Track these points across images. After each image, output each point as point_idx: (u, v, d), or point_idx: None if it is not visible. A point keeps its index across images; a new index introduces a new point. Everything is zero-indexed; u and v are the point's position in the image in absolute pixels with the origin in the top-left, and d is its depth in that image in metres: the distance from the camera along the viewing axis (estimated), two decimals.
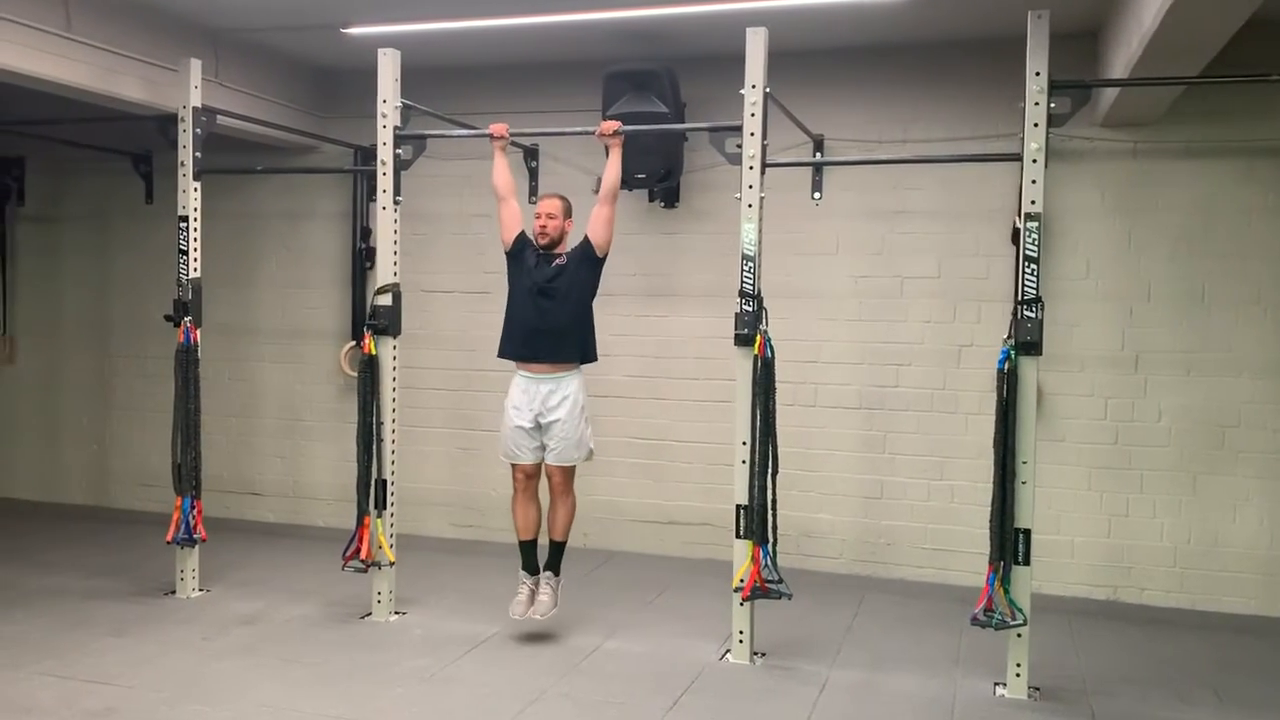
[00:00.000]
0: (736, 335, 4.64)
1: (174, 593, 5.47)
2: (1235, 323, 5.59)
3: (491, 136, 5.05)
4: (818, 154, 6.10)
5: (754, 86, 4.58)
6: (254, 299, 7.31)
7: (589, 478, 6.61)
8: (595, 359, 5.00)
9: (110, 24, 5.35)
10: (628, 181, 6.14)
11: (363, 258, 7.00)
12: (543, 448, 4.91)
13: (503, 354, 4.98)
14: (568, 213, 4.95)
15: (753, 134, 4.59)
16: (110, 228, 7.70)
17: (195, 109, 5.38)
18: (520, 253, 4.92)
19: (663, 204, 6.45)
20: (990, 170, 5.87)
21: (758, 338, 4.59)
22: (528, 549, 5.01)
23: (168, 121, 5.49)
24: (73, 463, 7.83)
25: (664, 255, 6.51)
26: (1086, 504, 5.83)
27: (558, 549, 5.00)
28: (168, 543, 5.37)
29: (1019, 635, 4.31)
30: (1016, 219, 5.81)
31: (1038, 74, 4.22)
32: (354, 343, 7.03)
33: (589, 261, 4.89)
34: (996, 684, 4.42)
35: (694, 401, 6.47)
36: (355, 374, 6.98)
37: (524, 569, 5.01)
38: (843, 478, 6.20)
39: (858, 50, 6.05)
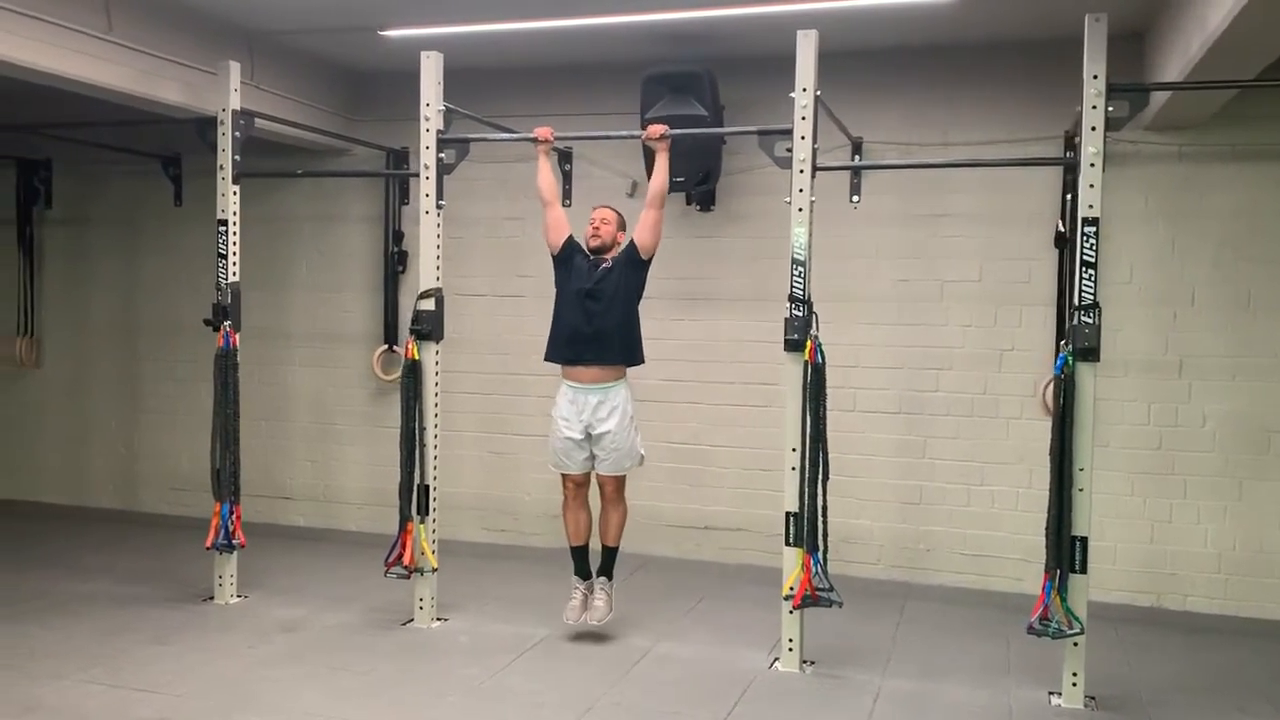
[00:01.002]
0: (787, 341, 4.59)
1: (212, 599, 5.44)
2: None
3: (536, 140, 5.01)
4: (856, 157, 6.07)
5: (805, 89, 4.54)
6: (285, 302, 7.27)
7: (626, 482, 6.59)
8: (642, 361, 4.97)
9: (149, 27, 5.32)
10: None
11: (394, 261, 6.97)
12: (592, 457, 4.88)
13: (550, 358, 4.96)
14: (621, 225, 4.97)
15: (803, 137, 4.55)
16: (139, 230, 7.67)
17: (235, 112, 5.35)
18: (569, 257, 4.90)
19: (699, 208, 6.41)
20: (1032, 173, 5.84)
21: (808, 343, 4.54)
22: (580, 554, 4.99)
23: (206, 124, 5.46)
24: (100, 467, 7.80)
25: (700, 259, 6.46)
26: (1129, 509, 5.78)
27: (611, 554, 4.98)
28: (207, 548, 5.33)
29: (1075, 644, 4.26)
30: (1059, 223, 5.81)
31: (1095, 77, 4.17)
32: (386, 346, 7.01)
33: (634, 264, 4.86)
34: (1051, 693, 4.37)
35: (730, 406, 6.43)
36: (388, 378, 7.02)
37: (576, 574, 5.00)
38: (881, 483, 6.15)
39: (895, 52, 6.00)
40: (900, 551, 6.17)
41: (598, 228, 4.89)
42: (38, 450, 7.92)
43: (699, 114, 5.74)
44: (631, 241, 4.85)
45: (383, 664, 4.58)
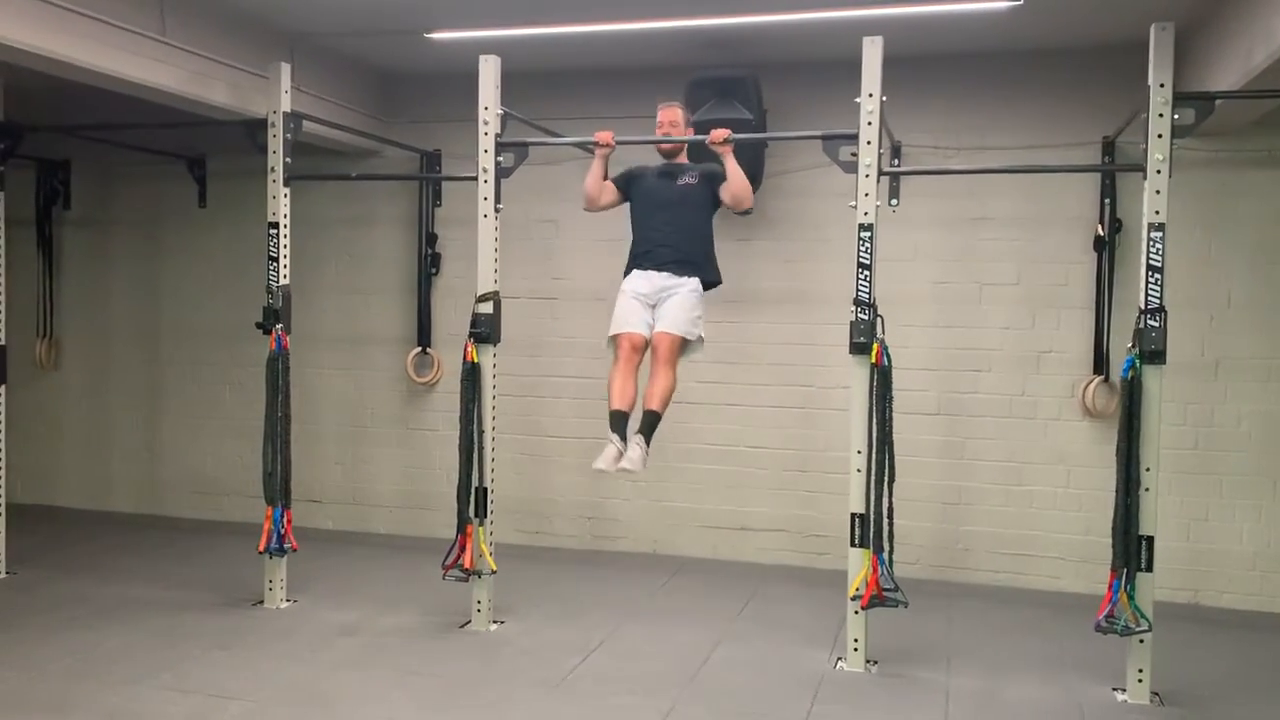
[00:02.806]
0: (852, 344, 4.65)
1: (262, 603, 5.40)
2: None
3: (596, 144, 5.03)
4: (895, 160, 6.13)
5: (870, 95, 4.60)
6: (314, 305, 7.20)
7: (661, 484, 6.63)
8: (718, 280, 5.00)
9: (199, 28, 5.29)
10: None
11: (428, 263, 6.95)
12: (652, 325, 4.85)
13: (627, 272, 5.00)
14: (688, 122, 5.10)
15: (869, 142, 4.60)
16: (161, 232, 7.60)
17: (285, 114, 5.32)
18: (637, 178, 5.03)
19: (737, 210, 6.44)
20: (1070, 176, 5.93)
21: (874, 346, 4.60)
22: (619, 417, 4.75)
23: (255, 126, 5.42)
24: (122, 470, 7.71)
25: (738, 261, 6.45)
26: (1166, 508, 5.81)
27: (653, 417, 4.74)
28: (260, 552, 5.29)
29: (1141, 641, 4.35)
30: (1098, 226, 5.91)
31: (1162, 85, 4.25)
32: (420, 349, 6.99)
33: (715, 195, 4.92)
34: (1115, 689, 4.45)
35: (767, 408, 6.48)
36: (421, 380, 7.01)
37: (612, 429, 4.72)
38: (921, 483, 6.20)
39: (936, 58, 6.06)
40: (940, 551, 6.24)
41: (668, 132, 4.99)
42: (57, 454, 7.82)
43: (744, 117, 5.79)
44: (721, 182, 4.87)
45: (452, 667, 4.58)
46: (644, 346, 4.86)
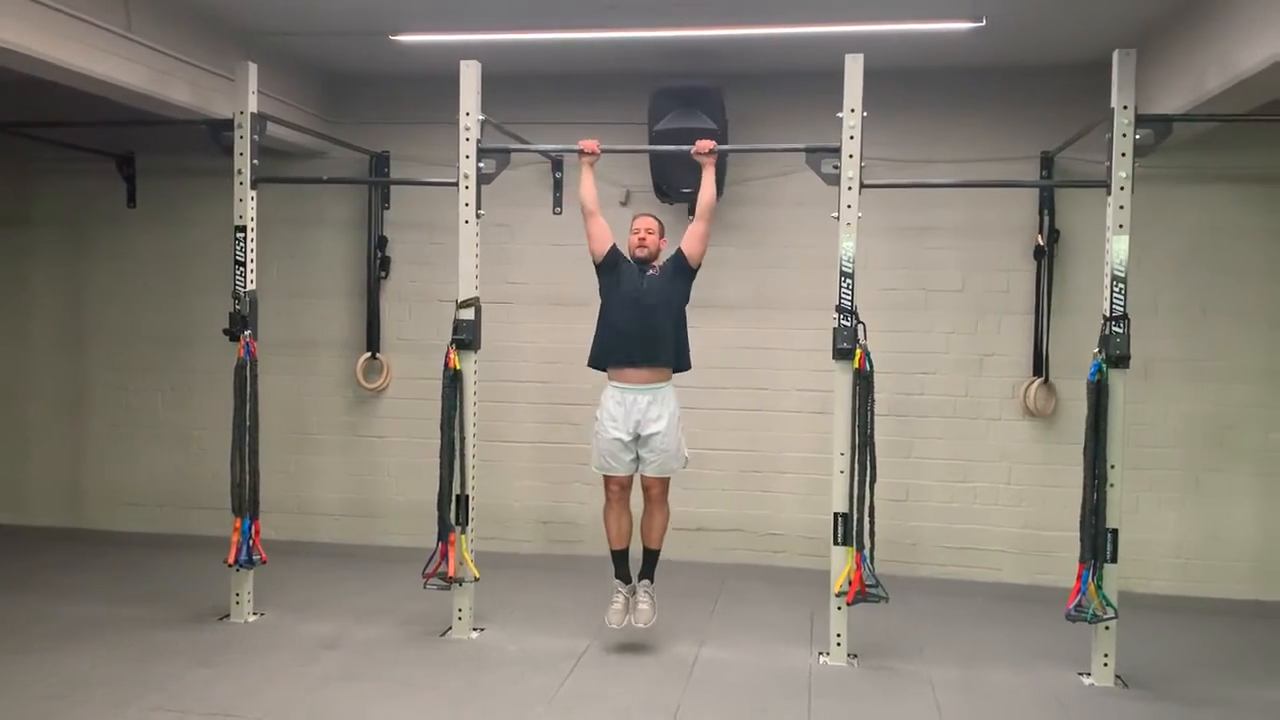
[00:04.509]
0: (836, 349, 4.82)
1: (228, 617, 5.26)
2: (1235, 334, 6.12)
3: (581, 152, 5.07)
4: (824, 170, 6.32)
5: (853, 110, 4.78)
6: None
7: None
8: (689, 367, 5.10)
9: (163, 25, 5.10)
10: (671, 195, 6.29)
11: (378, 267, 6.85)
12: (637, 459, 4.96)
13: (596, 364, 5.03)
14: (663, 232, 5.08)
15: (851, 156, 4.78)
16: (87, 233, 7.26)
17: (253, 115, 5.19)
18: (615, 264, 4.99)
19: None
20: (1011, 189, 6.24)
21: (858, 352, 4.77)
22: (620, 558, 5.08)
23: (221, 127, 5.27)
24: (41, 482, 7.34)
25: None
26: None
27: (652, 556, 5.08)
28: (229, 566, 5.16)
29: (1107, 628, 4.64)
30: (1038, 236, 6.25)
31: (1125, 107, 4.55)
32: (369, 354, 6.88)
33: (683, 272, 4.99)
34: (1081, 674, 4.74)
35: (727, 411, 6.61)
36: (370, 386, 6.90)
37: (617, 578, 5.07)
38: None
39: (890, 73, 6.24)
40: (889, 546, 6.38)
41: (643, 238, 5.00)
42: None
43: (708, 127, 5.88)
44: (679, 251, 4.98)
45: (446, 677, 4.56)
46: (631, 483, 5.06)
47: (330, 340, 7.00)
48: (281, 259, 7.04)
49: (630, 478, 5.04)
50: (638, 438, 4.92)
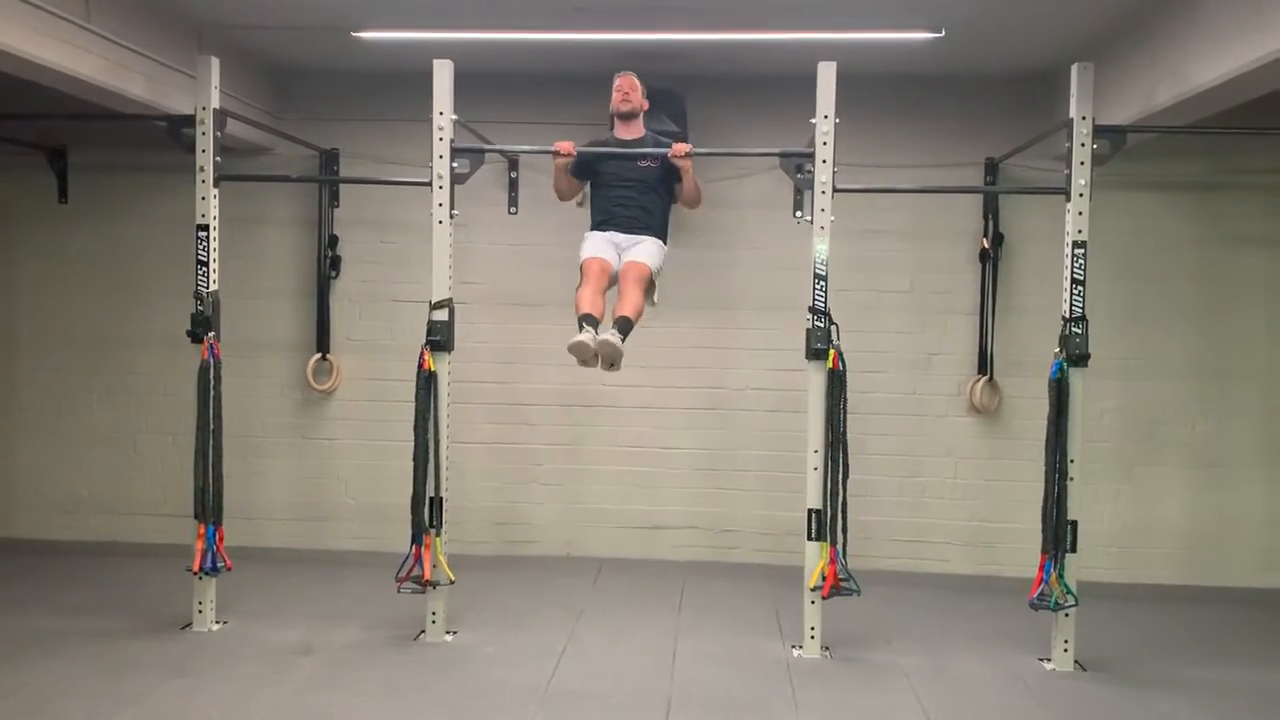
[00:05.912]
0: (809, 349, 4.94)
1: (190, 625, 5.12)
2: (1162, 334, 6.46)
3: (557, 154, 5.09)
4: (798, 174, 6.47)
5: (826, 116, 4.90)
6: None
7: (574, 486, 6.73)
8: (665, 243, 5.35)
9: (120, 16, 4.94)
10: None
11: (328, 266, 6.73)
12: (618, 260, 5.14)
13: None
14: (645, 94, 5.26)
15: (824, 161, 4.90)
16: (14, 229, 6.96)
17: (216, 111, 5.06)
18: (593, 162, 5.23)
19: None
20: (956, 194, 6.47)
21: (831, 352, 4.90)
22: (589, 318, 4.83)
23: (182, 123, 5.12)
24: None
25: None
26: (1039, 494, 6.52)
27: (626, 322, 4.86)
28: (194, 573, 5.03)
29: (1066, 615, 4.87)
30: (983, 240, 6.49)
31: (1084, 118, 4.78)
32: (319, 355, 6.76)
33: (671, 177, 5.22)
34: (1041, 659, 4.96)
35: (682, 410, 6.70)
36: (321, 388, 6.77)
37: (583, 324, 4.79)
38: None
39: (844, 79, 6.45)
40: None
41: (627, 94, 5.18)
42: None
43: (673, 130, 5.96)
44: (677, 171, 5.15)
45: (431, 680, 4.53)
46: (612, 273, 5.10)
47: (278, 341, 6.86)
48: (227, 258, 6.76)
49: (612, 267, 5.10)
50: (619, 254, 5.15)
